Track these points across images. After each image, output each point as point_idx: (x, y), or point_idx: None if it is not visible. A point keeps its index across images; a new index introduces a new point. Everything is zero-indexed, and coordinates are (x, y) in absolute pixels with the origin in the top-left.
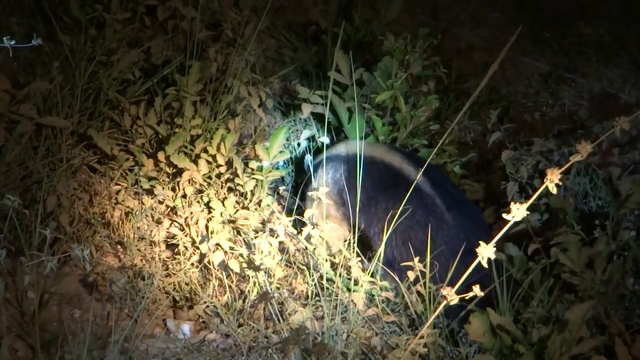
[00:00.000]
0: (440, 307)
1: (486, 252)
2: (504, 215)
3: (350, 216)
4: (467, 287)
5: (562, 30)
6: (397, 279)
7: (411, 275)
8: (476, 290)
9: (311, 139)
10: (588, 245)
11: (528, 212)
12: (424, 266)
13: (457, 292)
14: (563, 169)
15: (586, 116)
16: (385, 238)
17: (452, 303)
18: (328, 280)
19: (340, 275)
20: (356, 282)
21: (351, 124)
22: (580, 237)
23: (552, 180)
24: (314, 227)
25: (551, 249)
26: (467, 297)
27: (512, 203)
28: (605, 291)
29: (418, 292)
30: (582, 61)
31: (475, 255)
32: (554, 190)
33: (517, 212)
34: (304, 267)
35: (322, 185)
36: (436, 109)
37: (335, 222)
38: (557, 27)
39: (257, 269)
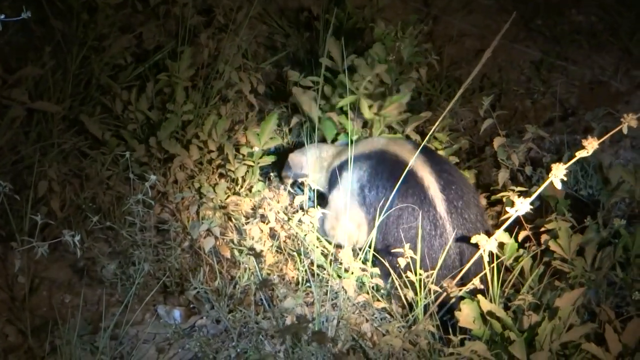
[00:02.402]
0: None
1: (488, 245)
2: (507, 209)
3: (369, 216)
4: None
5: (554, 17)
6: (388, 265)
7: (402, 262)
8: (475, 281)
9: (302, 125)
10: (579, 232)
11: (531, 206)
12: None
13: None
14: (568, 164)
15: (577, 104)
16: (376, 223)
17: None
18: (318, 266)
19: (330, 262)
20: (346, 270)
21: (323, 124)
22: (570, 224)
23: (557, 175)
24: (304, 214)
25: (542, 236)
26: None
27: (512, 194)
28: (595, 279)
29: (409, 279)
30: (573, 48)
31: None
32: (559, 185)
33: (521, 205)
34: (295, 254)
35: (348, 189)
36: (428, 95)
37: (358, 219)
38: (549, 14)
39: (257, 255)
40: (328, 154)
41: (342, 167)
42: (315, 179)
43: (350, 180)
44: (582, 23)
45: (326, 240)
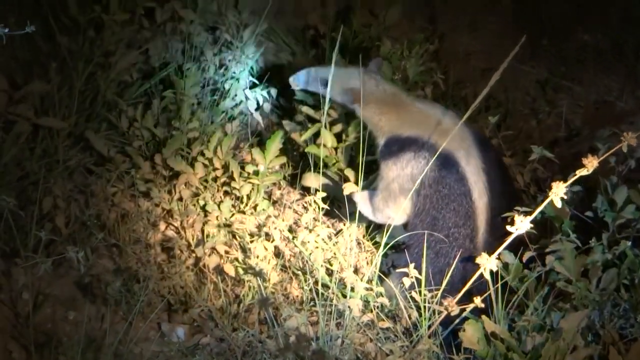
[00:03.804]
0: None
1: (488, 263)
2: (507, 228)
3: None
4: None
5: (559, 37)
6: (392, 285)
7: (406, 282)
8: (477, 301)
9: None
10: (584, 254)
11: (532, 225)
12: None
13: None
14: (569, 182)
15: (582, 124)
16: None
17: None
18: (323, 285)
19: (335, 282)
20: (352, 289)
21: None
22: (575, 245)
23: (557, 193)
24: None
25: (546, 257)
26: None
27: (516, 214)
28: (600, 300)
29: (413, 299)
30: (579, 68)
31: None
32: (559, 204)
33: (521, 224)
34: (299, 272)
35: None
36: None
37: (407, 195)
38: (555, 34)
39: (258, 274)
40: (390, 101)
41: (409, 142)
42: (367, 117)
43: (411, 162)
44: (588, 43)
45: (367, 217)
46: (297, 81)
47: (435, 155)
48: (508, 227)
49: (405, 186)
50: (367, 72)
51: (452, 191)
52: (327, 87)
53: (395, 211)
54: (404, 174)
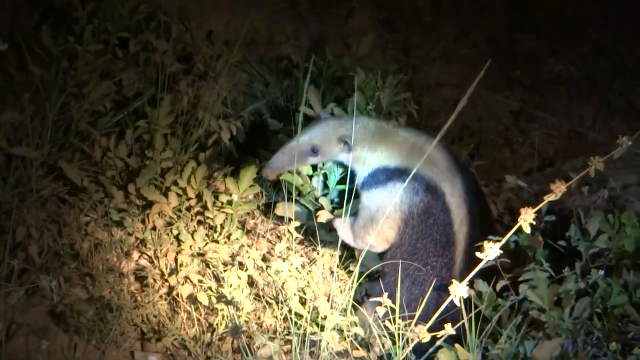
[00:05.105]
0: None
1: (459, 290)
2: (477, 254)
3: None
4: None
5: (533, 67)
6: (366, 314)
7: (380, 310)
8: (448, 328)
9: None
10: (557, 283)
11: (501, 252)
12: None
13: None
14: (537, 208)
15: (555, 154)
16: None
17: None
18: (297, 314)
19: (309, 311)
20: (324, 317)
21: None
22: (548, 274)
23: (526, 220)
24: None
25: (520, 286)
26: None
27: (490, 243)
28: (573, 329)
29: (387, 327)
30: (552, 98)
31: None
32: (528, 230)
33: (491, 250)
34: (273, 301)
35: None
36: None
37: (391, 224)
38: (528, 64)
39: (228, 302)
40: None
41: (398, 173)
42: (359, 157)
43: (401, 192)
44: (561, 73)
45: (348, 244)
46: (272, 169)
47: (424, 186)
48: (478, 254)
49: (390, 215)
50: (347, 115)
51: (437, 221)
52: (317, 154)
53: (376, 239)
54: (389, 203)
